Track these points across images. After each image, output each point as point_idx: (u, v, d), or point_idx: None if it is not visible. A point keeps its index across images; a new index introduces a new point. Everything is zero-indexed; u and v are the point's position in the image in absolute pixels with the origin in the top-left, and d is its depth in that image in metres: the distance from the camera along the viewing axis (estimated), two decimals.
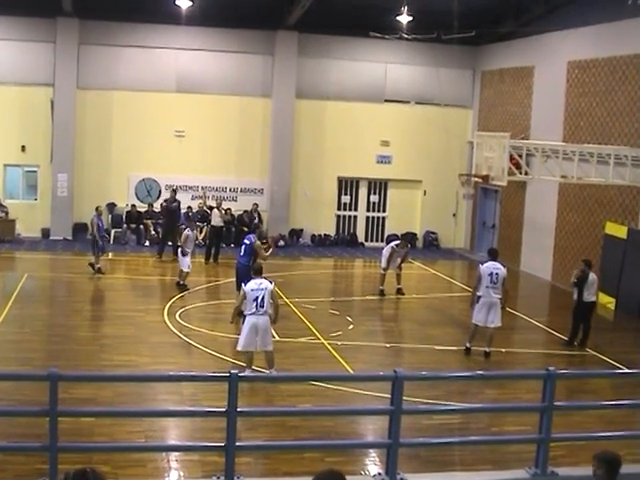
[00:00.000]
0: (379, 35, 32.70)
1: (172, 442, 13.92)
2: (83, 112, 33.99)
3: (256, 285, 16.79)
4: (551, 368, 10.41)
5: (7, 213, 33.53)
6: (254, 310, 16.63)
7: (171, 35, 34.17)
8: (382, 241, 36.92)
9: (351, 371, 18.01)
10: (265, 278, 17.26)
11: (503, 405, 15.43)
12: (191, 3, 30.49)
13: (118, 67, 34.32)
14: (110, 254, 31.99)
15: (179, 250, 26.37)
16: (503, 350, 20.48)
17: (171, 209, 32.22)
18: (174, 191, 32.72)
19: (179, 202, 32.50)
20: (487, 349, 19.75)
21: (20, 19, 32.96)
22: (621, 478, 8.14)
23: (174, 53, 34.54)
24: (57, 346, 19.43)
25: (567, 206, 29.66)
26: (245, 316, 17.04)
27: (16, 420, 12.95)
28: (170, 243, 31.28)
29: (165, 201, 32.98)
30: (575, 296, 21.22)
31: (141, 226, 34.15)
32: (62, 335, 20.41)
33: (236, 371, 9.78)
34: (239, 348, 17.10)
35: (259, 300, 16.61)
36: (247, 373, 16.12)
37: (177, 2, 30.44)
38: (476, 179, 29.56)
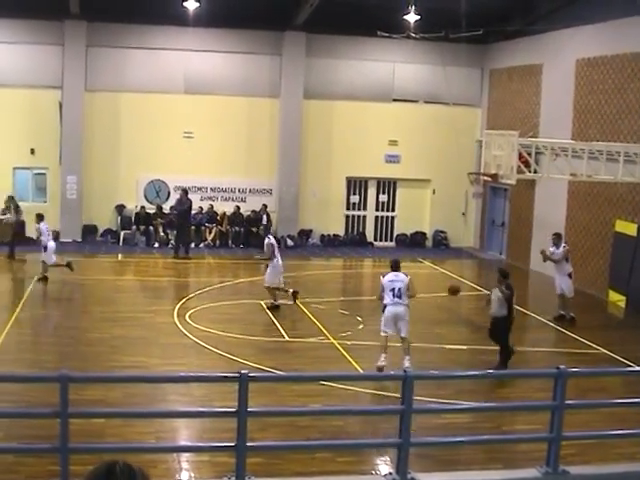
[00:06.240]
0: (387, 34, 32.66)
1: (183, 443, 13.93)
2: (91, 114, 34.02)
3: (394, 277, 18.47)
4: (562, 366, 10.39)
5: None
6: (392, 300, 18.22)
7: (179, 37, 34.16)
8: (391, 241, 36.99)
9: (361, 371, 18.01)
10: (402, 272, 18.76)
11: (514, 404, 15.40)
12: (198, 4, 30.50)
13: (126, 69, 34.36)
14: (119, 255, 32.10)
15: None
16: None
17: (180, 210, 32.36)
18: (185, 191, 32.79)
19: (191, 202, 32.65)
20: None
21: (28, 22, 33.00)
22: (633, 477, 8.10)
23: (182, 54, 34.55)
24: (67, 348, 19.47)
25: (577, 204, 29.60)
26: (385, 306, 18.33)
27: (27, 421, 12.98)
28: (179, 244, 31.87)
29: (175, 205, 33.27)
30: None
31: (150, 227, 34.20)
32: (72, 337, 20.44)
33: (246, 371, 9.78)
34: (381, 333, 18.32)
35: (396, 290, 18.20)
36: (381, 359, 17.78)
37: (184, 4, 30.45)
38: (485, 178, 29.52)
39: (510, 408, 14.87)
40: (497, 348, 18.93)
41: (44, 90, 33.73)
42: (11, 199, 31.97)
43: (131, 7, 32.05)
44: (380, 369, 17.59)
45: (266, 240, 24.33)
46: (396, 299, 18.19)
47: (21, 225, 31.02)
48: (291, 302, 24.08)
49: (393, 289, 18.23)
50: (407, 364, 17.59)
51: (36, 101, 33.70)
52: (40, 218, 27.42)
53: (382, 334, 18.29)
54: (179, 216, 32.58)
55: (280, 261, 23.92)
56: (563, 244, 24.13)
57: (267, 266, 24.10)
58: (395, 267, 18.80)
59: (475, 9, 30.07)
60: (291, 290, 24.24)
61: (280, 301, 23.88)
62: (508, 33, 33.48)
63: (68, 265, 26.90)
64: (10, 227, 31.10)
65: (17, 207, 31.36)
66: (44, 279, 26.44)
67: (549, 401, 10.52)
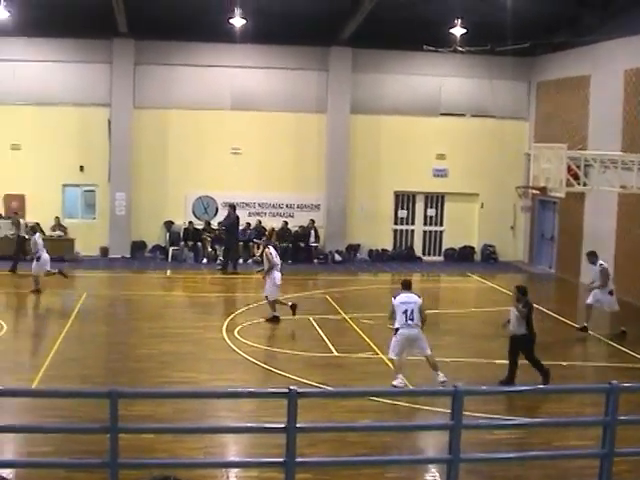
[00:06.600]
0: (433, 48, 32.64)
1: (232, 458, 13.94)
2: (140, 131, 34.32)
3: (406, 298, 17.97)
4: (614, 381, 10.27)
5: (66, 232, 33.94)
6: (404, 322, 17.70)
7: (225, 53, 34.42)
8: (440, 255, 36.86)
9: (410, 386, 17.92)
10: (414, 293, 18.39)
11: (565, 419, 15.21)
12: (245, 21, 30.65)
13: (173, 86, 34.65)
14: (168, 271, 32.26)
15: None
16: (564, 363, 20.25)
17: (227, 225, 32.58)
18: (232, 207, 32.95)
19: (238, 217, 32.78)
20: None
21: (77, 41, 33.45)
22: None
23: (229, 71, 34.79)
24: (117, 363, 19.60)
25: (627, 216, 29.27)
26: (397, 329, 17.85)
27: (78, 437, 13.05)
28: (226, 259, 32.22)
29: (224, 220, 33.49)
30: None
31: (199, 243, 34.37)
32: (121, 352, 20.58)
33: (295, 387, 9.77)
34: (390, 356, 18.08)
35: (408, 313, 17.69)
36: (398, 380, 17.45)
37: (231, 21, 30.61)
38: (534, 191, 29.31)
39: (561, 424, 14.68)
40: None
41: (93, 108, 34.12)
42: (14, 214, 32.34)
43: (178, 25, 32.28)
44: None
45: (266, 250, 24.49)
46: (409, 321, 17.70)
47: (22, 241, 31.05)
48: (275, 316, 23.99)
49: (405, 311, 17.72)
50: (443, 378, 17.54)
51: (85, 119, 34.09)
52: (34, 231, 28.19)
53: (393, 357, 17.99)
54: (226, 231, 32.77)
55: (278, 272, 24.00)
56: (600, 262, 23.77)
57: (265, 278, 24.16)
58: (406, 287, 18.43)
59: (521, 22, 29.92)
60: (290, 303, 24.18)
61: (277, 314, 23.96)
62: (555, 45, 33.26)
63: (60, 272, 27.56)
64: (13, 243, 31.54)
65: (18, 223, 31.65)
66: (37, 291, 26.91)
67: (601, 416, 10.39)
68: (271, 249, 24.48)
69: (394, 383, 17.53)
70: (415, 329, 17.76)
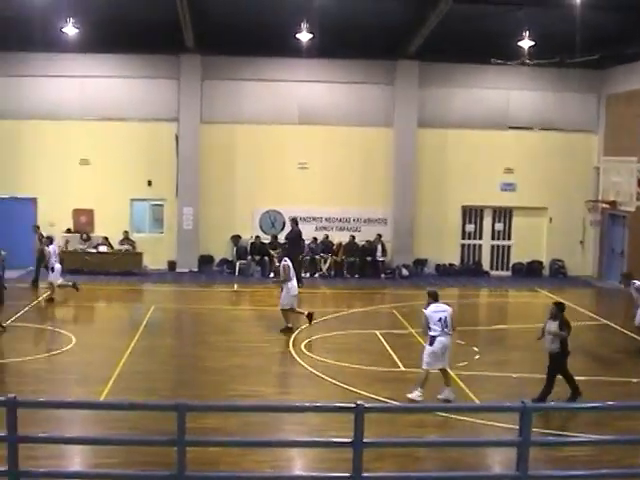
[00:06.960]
0: (501, 61, 32.44)
1: (298, 472, 13.90)
2: (207, 146, 34.57)
3: (438, 307, 18.06)
4: None
5: (134, 246, 34.28)
6: (440, 330, 17.77)
7: (292, 68, 34.57)
8: (507, 270, 36.55)
9: (478, 402, 17.76)
10: (444, 302, 18.46)
11: (636, 437, 14.93)
12: (311, 36, 30.74)
13: (240, 101, 34.86)
14: (235, 285, 32.38)
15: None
16: (634, 380, 19.92)
17: (289, 239, 32.68)
18: (294, 220, 33.07)
19: (299, 230, 32.81)
20: None
21: (144, 57, 33.91)
22: None
23: (295, 85, 34.92)
24: (183, 376, 19.72)
25: None
26: (434, 338, 17.81)
27: (143, 449, 13.12)
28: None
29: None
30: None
31: (266, 258, 34.45)
32: (188, 365, 20.69)
33: (362, 402, 9.72)
34: (424, 367, 17.91)
35: (443, 321, 17.80)
36: (416, 393, 17.46)
37: (297, 35, 30.73)
38: (603, 205, 28.96)
39: (632, 441, 14.41)
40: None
41: (161, 123, 34.48)
42: (36, 228, 32.63)
43: (244, 40, 32.47)
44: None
45: (282, 262, 24.55)
46: (445, 329, 17.80)
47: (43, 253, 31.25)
48: (307, 325, 24.66)
49: (440, 319, 17.82)
50: (448, 395, 17.63)
51: (153, 134, 34.46)
52: (50, 241, 29.09)
53: (428, 368, 17.86)
54: (288, 245, 32.81)
55: (295, 283, 24.46)
56: (633, 281, 23.19)
57: (282, 289, 24.42)
58: (435, 298, 18.38)
59: (590, 33, 29.56)
60: (306, 312, 24.71)
61: (290, 325, 24.27)
62: (626, 57, 32.83)
63: (74, 285, 28.51)
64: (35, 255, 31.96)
65: (42, 236, 31.86)
66: (51, 300, 27.78)
67: None
68: (287, 261, 24.61)
69: (409, 396, 17.51)
70: (450, 337, 17.93)
